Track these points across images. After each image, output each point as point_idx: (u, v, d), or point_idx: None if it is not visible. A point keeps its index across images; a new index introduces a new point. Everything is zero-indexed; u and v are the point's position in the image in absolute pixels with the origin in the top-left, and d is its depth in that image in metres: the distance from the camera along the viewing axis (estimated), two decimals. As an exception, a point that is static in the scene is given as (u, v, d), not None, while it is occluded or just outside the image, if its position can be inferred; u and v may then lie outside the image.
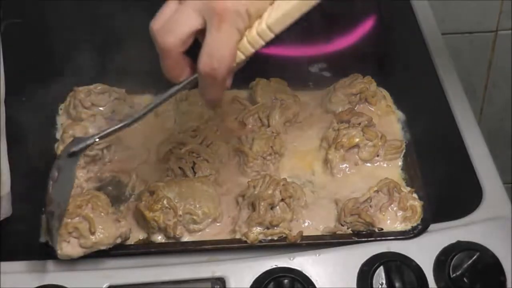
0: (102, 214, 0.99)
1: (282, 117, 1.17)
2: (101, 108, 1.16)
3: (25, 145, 1.12)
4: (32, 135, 1.13)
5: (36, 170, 1.09)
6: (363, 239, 1.03)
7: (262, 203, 1.02)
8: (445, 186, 1.08)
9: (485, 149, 1.16)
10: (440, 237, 1.02)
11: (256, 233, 1.02)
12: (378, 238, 1.03)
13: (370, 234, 1.03)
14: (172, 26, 0.87)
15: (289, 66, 1.28)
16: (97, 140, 0.95)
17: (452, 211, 1.06)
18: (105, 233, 0.98)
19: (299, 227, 1.04)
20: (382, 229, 1.04)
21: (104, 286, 0.97)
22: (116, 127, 0.94)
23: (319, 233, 1.04)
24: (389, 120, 1.19)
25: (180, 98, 1.19)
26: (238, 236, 1.03)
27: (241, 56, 0.88)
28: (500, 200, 1.09)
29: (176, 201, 1.02)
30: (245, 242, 1.02)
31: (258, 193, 1.04)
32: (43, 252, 1.00)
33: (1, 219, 1.03)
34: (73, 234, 0.98)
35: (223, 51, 0.86)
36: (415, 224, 1.04)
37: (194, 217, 1.02)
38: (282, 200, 1.04)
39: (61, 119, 1.17)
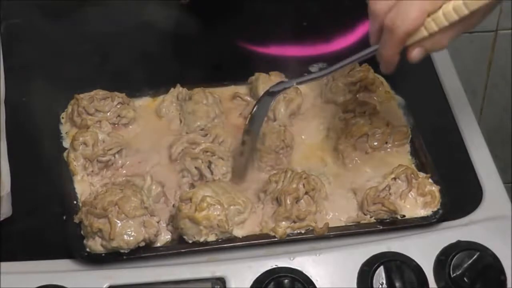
0: (128, 217, 0.99)
1: (287, 110, 1.18)
2: (106, 114, 1.16)
3: (26, 149, 1.12)
4: (34, 141, 1.13)
5: (37, 172, 1.10)
6: (388, 227, 1.04)
7: (288, 198, 1.03)
8: (445, 186, 1.08)
9: (485, 149, 1.16)
10: (440, 237, 1.03)
11: (284, 227, 1.02)
12: (403, 225, 1.04)
13: (394, 221, 1.04)
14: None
15: (285, 61, 1.29)
16: (294, 84, 1.07)
17: (452, 211, 1.06)
18: (126, 238, 0.98)
19: (323, 218, 1.05)
20: (404, 216, 1.04)
21: (104, 286, 0.97)
22: (315, 75, 1.05)
23: (343, 224, 1.05)
24: (390, 106, 1.20)
25: (183, 97, 1.19)
26: (265, 231, 1.03)
27: (432, 26, 0.90)
28: (500, 200, 1.09)
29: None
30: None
31: (282, 188, 1.04)
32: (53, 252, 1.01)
33: (1, 219, 1.03)
34: (98, 234, 0.99)
35: (411, 13, 0.89)
36: (435, 209, 1.05)
37: (238, 207, 1.03)
38: (306, 193, 1.04)
39: (65, 127, 1.16)
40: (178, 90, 1.20)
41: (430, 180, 1.07)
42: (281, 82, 1.11)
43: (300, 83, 1.08)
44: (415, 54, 0.93)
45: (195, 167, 1.09)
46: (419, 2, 0.89)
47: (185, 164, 1.09)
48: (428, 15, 0.89)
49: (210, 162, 1.09)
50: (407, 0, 0.89)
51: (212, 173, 1.09)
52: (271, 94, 1.07)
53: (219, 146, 1.12)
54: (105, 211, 0.98)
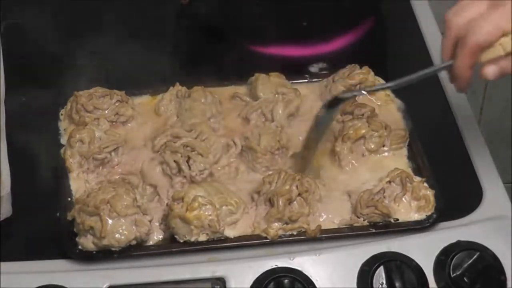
0: (120, 216, 0.99)
1: (286, 111, 1.18)
2: (104, 111, 1.16)
3: (25, 148, 1.12)
4: (34, 139, 1.13)
5: (37, 172, 1.10)
6: (381, 231, 1.04)
7: (281, 199, 1.03)
8: (445, 186, 1.08)
9: (485, 149, 1.16)
10: (440, 236, 1.03)
11: (276, 228, 1.02)
12: (396, 229, 1.04)
13: (387, 225, 1.04)
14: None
15: (285, 61, 1.29)
16: (364, 93, 1.10)
17: (452, 211, 1.06)
18: (117, 236, 0.98)
19: (316, 220, 1.05)
20: (397, 219, 1.05)
21: (104, 286, 0.97)
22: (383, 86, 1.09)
23: (336, 226, 1.05)
24: (389, 109, 1.20)
25: (182, 95, 1.19)
26: (257, 232, 1.03)
27: (508, 46, 0.90)
28: (500, 200, 1.09)
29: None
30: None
31: (275, 189, 1.04)
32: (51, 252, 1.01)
33: (1, 219, 1.03)
34: (89, 232, 0.99)
35: (485, 26, 0.90)
36: (429, 213, 1.05)
37: (230, 207, 1.03)
38: (299, 194, 1.04)
39: (64, 124, 1.17)
40: (178, 88, 1.21)
41: (425, 184, 1.07)
42: (346, 91, 1.13)
43: (370, 91, 1.10)
44: (488, 70, 0.93)
45: (174, 161, 1.09)
46: (497, 18, 0.90)
47: (164, 156, 1.10)
48: (506, 35, 0.90)
49: (189, 157, 1.09)
50: (485, 16, 0.90)
51: (190, 168, 1.09)
52: (335, 102, 1.07)
53: (201, 142, 1.11)
54: (97, 209, 0.99)
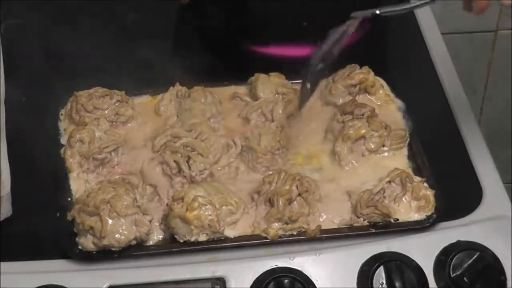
0: (120, 216, 0.99)
1: (286, 111, 1.18)
2: (104, 111, 1.16)
3: (25, 148, 1.12)
4: (34, 139, 1.14)
5: (37, 172, 1.10)
6: (381, 231, 1.04)
7: (281, 199, 1.03)
8: (445, 186, 1.08)
9: (485, 149, 1.16)
10: (440, 236, 1.03)
11: (276, 228, 1.02)
12: (396, 229, 1.04)
13: (387, 225, 1.04)
14: None
15: (285, 61, 1.29)
16: (377, 12, 1.04)
17: (452, 211, 1.06)
18: (117, 236, 0.98)
19: (316, 220, 1.05)
20: (397, 219, 1.05)
21: (104, 286, 0.97)
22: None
23: (336, 226, 1.05)
24: (389, 109, 1.20)
25: (183, 95, 1.19)
26: (257, 232, 1.03)
27: None
28: (500, 200, 1.09)
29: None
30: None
31: (275, 189, 1.05)
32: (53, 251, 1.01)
33: (1, 219, 1.03)
34: (89, 232, 0.99)
35: None
36: (429, 213, 1.05)
37: (230, 207, 1.03)
38: (299, 194, 1.04)
39: (64, 124, 1.17)
40: (178, 88, 1.21)
41: (425, 184, 1.07)
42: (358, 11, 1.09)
43: (383, 12, 1.04)
44: None
45: (174, 161, 1.09)
46: None
47: (164, 156, 1.10)
48: None
49: (189, 157, 1.09)
50: None
51: (190, 168, 1.09)
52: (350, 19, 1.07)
53: (201, 142, 1.11)
54: (97, 209, 0.99)
